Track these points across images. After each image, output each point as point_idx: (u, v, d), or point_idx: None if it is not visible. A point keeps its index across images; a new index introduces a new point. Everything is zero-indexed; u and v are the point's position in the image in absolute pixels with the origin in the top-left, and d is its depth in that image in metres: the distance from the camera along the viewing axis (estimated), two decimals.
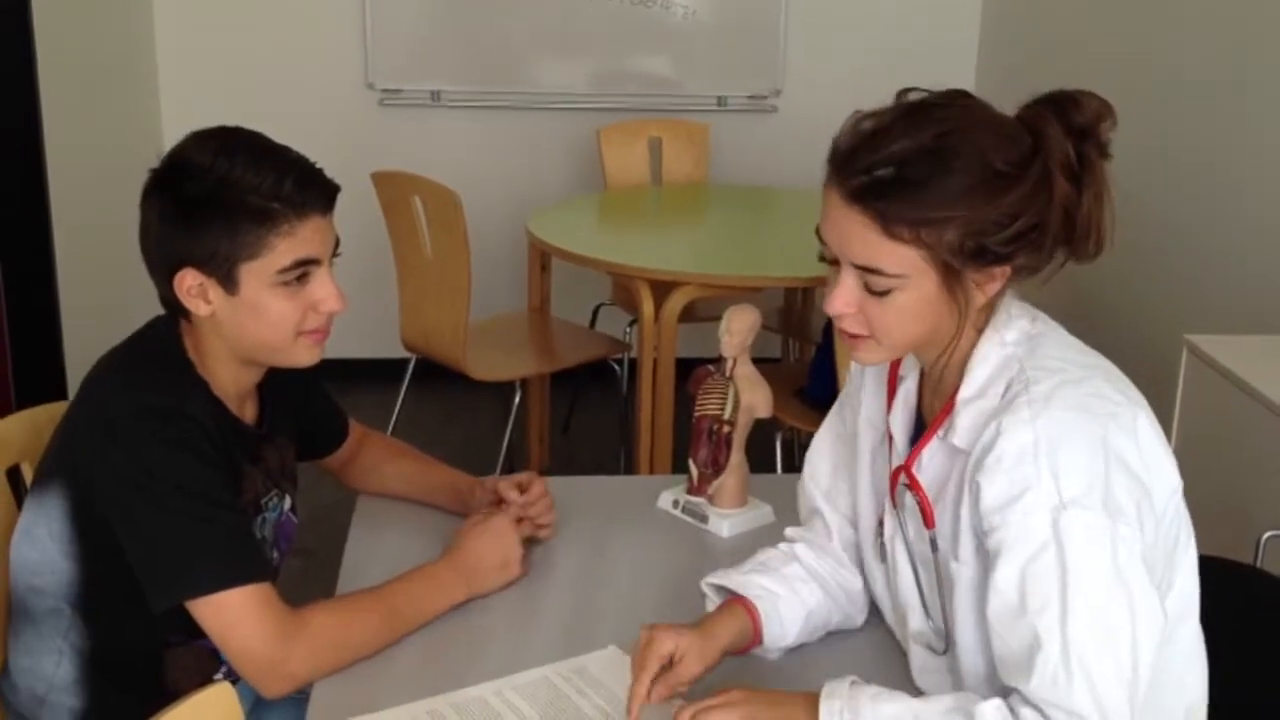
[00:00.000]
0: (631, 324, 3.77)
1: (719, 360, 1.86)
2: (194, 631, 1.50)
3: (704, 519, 1.87)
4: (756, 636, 1.48)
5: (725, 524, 1.84)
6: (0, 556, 1.62)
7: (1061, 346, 1.32)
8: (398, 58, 4.50)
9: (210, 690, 1.15)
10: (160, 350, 1.56)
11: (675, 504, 1.90)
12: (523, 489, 1.76)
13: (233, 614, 1.46)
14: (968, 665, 1.35)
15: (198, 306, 1.51)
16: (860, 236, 1.24)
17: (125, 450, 1.46)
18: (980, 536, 1.28)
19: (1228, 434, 2.19)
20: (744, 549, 1.64)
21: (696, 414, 1.85)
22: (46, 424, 1.66)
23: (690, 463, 1.86)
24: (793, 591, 1.51)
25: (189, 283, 1.50)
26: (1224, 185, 3.09)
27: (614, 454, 4.00)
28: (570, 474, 2.44)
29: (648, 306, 3.24)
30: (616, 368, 3.90)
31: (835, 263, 1.29)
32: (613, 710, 1.41)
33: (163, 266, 1.52)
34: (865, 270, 1.26)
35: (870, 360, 1.36)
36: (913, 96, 1.27)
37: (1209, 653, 1.38)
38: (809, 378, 3.24)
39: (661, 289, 3.24)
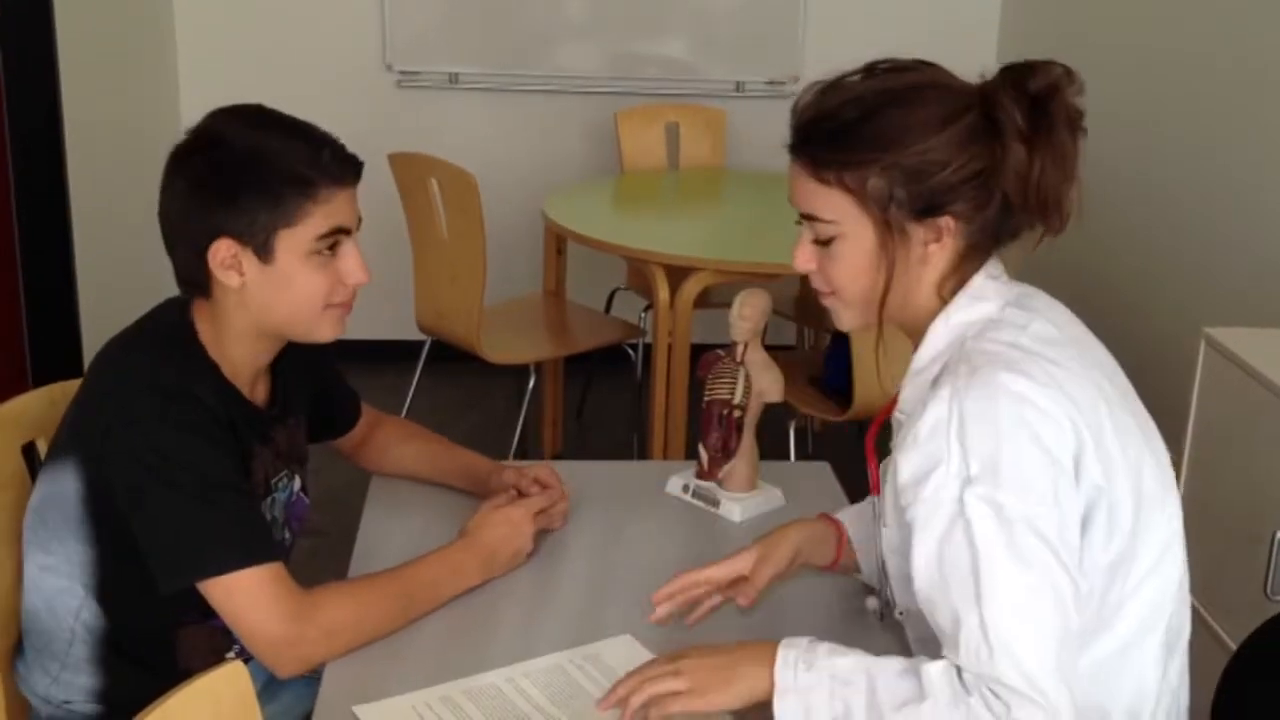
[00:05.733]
0: (647, 309, 3.77)
1: (730, 345, 1.86)
2: (207, 611, 1.50)
3: (715, 503, 1.87)
4: (841, 548, 1.57)
5: (737, 508, 1.84)
6: (15, 535, 1.63)
7: (1015, 330, 1.28)
8: (416, 39, 4.49)
9: (223, 669, 1.15)
10: (171, 332, 1.57)
11: (685, 489, 1.90)
12: (542, 484, 1.77)
13: (245, 594, 1.46)
14: (911, 629, 1.38)
15: (230, 278, 1.52)
16: (800, 184, 1.33)
17: (136, 431, 1.47)
18: (899, 511, 1.29)
19: (1245, 427, 2.17)
20: (757, 533, 1.63)
21: (706, 398, 1.85)
22: (63, 400, 1.66)
23: (700, 447, 1.86)
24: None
25: (223, 253, 1.51)
26: (1244, 177, 3.07)
27: (627, 439, 4.00)
28: (583, 458, 2.44)
29: (663, 291, 3.23)
30: (631, 352, 3.89)
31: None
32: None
33: (194, 239, 1.51)
34: (809, 219, 1.33)
35: (845, 324, 1.39)
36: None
37: None
38: (824, 365, 3.23)
39: (677, 274, 3.23)
